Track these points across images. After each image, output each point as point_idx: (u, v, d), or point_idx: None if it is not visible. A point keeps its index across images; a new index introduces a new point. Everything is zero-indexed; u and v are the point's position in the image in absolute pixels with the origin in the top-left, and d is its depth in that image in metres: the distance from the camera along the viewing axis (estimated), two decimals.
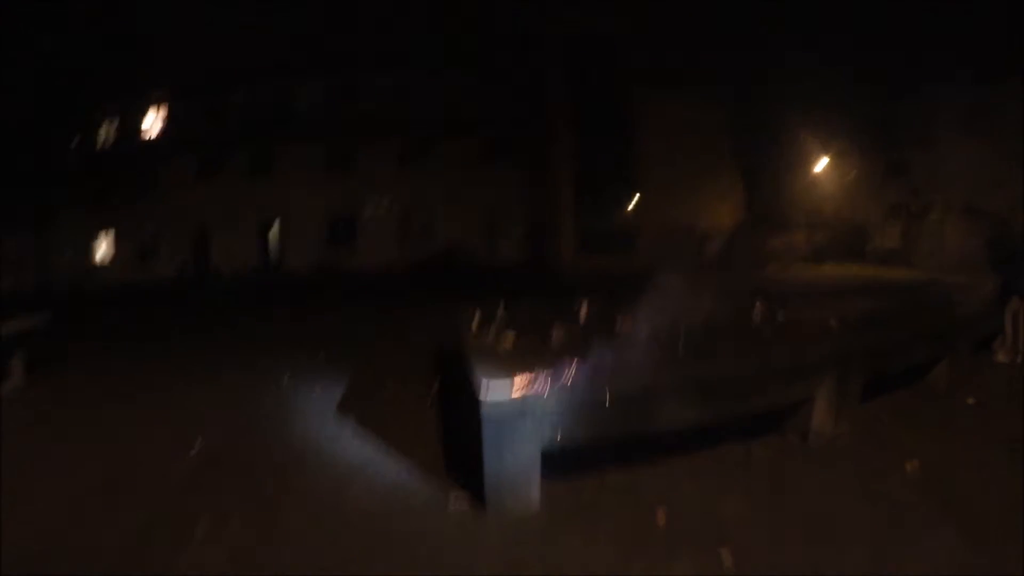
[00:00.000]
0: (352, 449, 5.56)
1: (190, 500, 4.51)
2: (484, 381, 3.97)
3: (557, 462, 4.37)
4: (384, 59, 31.69)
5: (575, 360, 4.25)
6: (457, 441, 5.15)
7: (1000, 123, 28.58)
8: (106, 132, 35.57)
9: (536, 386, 3.94)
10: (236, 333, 13.05)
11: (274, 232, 33.34)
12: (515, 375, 3.99)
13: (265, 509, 4.33)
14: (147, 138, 34.78)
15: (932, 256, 23.57)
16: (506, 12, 30.72)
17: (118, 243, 34.97)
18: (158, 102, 34.52)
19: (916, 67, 34.51)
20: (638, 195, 29.03)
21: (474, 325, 6.06)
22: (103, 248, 35.38)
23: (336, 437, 5.91)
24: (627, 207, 28.87)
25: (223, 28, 31.49)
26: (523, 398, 3.89)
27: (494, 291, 12.81)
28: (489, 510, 4.08)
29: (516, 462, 3.97)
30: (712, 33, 35.39)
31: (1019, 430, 5.56)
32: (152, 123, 34.80)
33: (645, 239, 27.40)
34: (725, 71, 32.47)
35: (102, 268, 34.60)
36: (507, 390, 3.90)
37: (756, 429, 5.38)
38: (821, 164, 35.76)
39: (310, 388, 7.69)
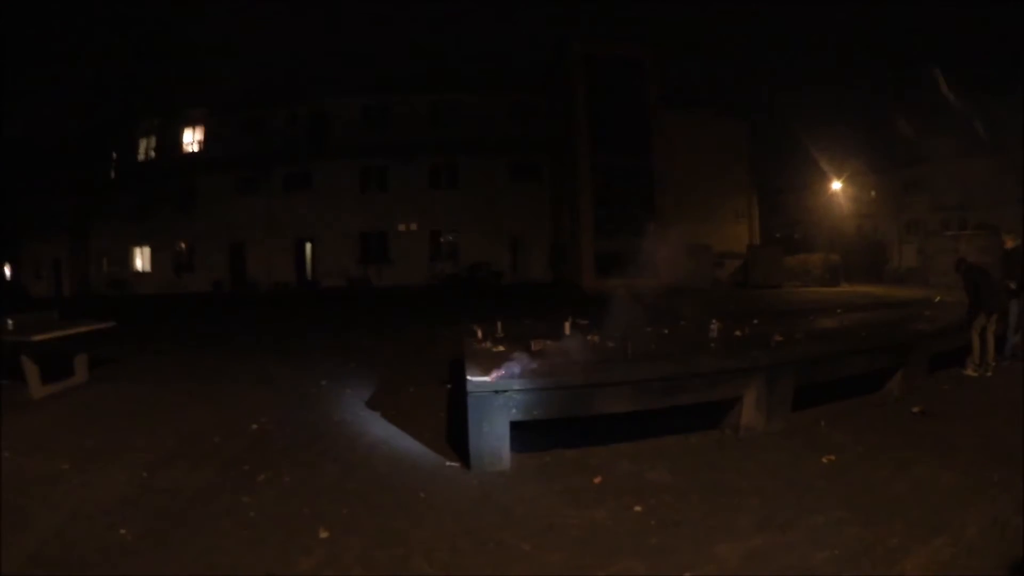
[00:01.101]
0: (377, 430, 6.96)
1: (251, 460, 5.89)
2: (470, 370, 5.52)
3: (527, 441, 5.81)
4: (416, 82, 32.94)
5: (538, 358, 5.81)
6: (456, 423, 6.44)
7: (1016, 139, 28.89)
8: (146, 146, 37.15)
9: (507, 374, 5.41)
10: (276, 342, 14.17)
11: (308, 249, 34.54)
12: (492, 366, 5.49)
13: (308, 469, 5.70)
14: (186, 153, 36.28)
15: (947, 274, 24.19)
16: (533, 37, 31.76)
17: (157, 254, 36.46)
18: (198, 119, 36.03)
19: (931, 85, 35.02)
20: (657, 217, 29.67)
21: (478, 335, 7.53)
22: (142, 258, 36.86)
23: (364, 422, 7.31)
24: (646, 229, 29.56)
25: (262, 49, 32.78)
26: (496, 382, 5.36)
27: (516, 308, 14.05)
28: (472, 467, 5.50)
29: (491, 430, 5.41)
30: (730, 60, 36.28)
31: (954, 436, 6.18)
32: (192, 139, 36.31)
33: (663, 260, 28.07)
34: (744, 95, 33.20)
35: (141, 277, 36.07)
36: (486, 376, 5.38)
37: (698, 424, 6.52)
38: (838, 184, 36.22)
39: (343, 388, 9.02)
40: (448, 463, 5.78)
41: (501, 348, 6.74)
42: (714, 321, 7.99)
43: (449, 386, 8.44)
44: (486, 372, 5.44)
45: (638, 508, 4.71)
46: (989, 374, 8.89)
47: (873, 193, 39.01)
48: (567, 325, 8.01)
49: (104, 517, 4.66)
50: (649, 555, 4.02)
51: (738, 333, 8.05)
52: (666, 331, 8.37)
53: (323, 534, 4.33)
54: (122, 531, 4.42)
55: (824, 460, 5.64)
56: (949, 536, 4.13)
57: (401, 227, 33.35)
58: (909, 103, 36.72)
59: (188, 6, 32.20)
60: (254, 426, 7.06)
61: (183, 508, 4.87)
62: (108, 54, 34.02)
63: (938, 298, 12.76)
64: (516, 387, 5.39)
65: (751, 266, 29.72)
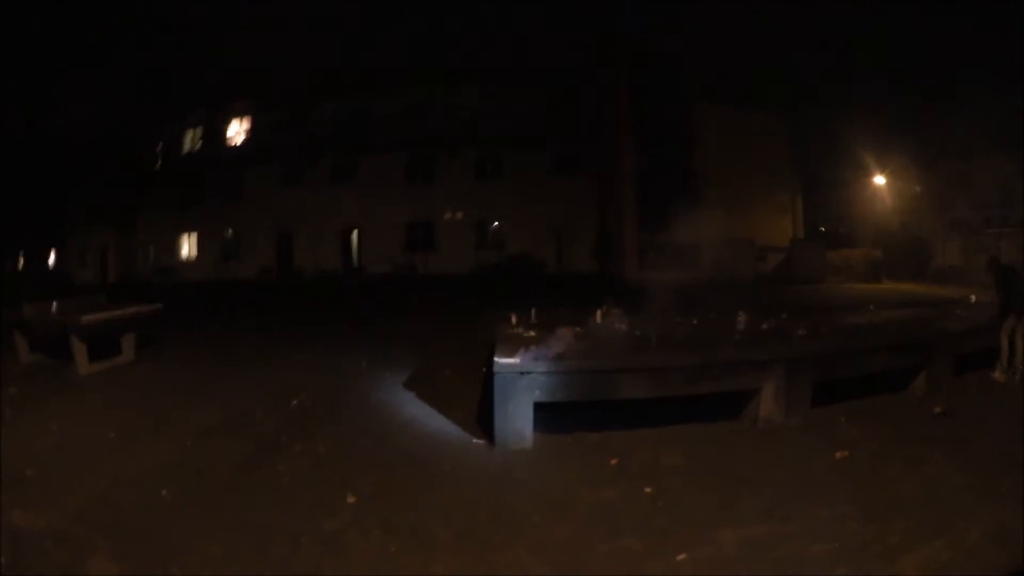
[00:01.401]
0: (411, 409, 7.37)
1: (289, 433, 6.33)
2: (498, 352, 5.87)
3: (551, 424, 6.10)
4: (460, 76, 33.24)
5: (565, 343, 6.08)
6: (487, 404, 6.67)
7: None
8: (193, 137, 37.79)
9: (531, 357, 5.74)
10: (320, 326, 14.64)
11: (355, 237, 35.05)
12: (520, 350, 5.84)
13: (343, 442, 6.13)
14: (233, 144, 36.84)
15: (987, 272, 23.62)
16: (577, 26, 31.57)
17: (203, 242, 37.07)
18: (244, 111, 36.54)
19: (975, 79, 34.12)
20: (700, 210, 29.44)
21: (512, 321, 7.86)
22: (188, 246, 37.63)
23: (400, 402, 7.72)
24: (689, 222, 29.36)
25: (308, 41, 33.18)
26: (521, 364, 5.70)
27: (556, 297, 14.28)
28: (497, 444, 5.85)
29: (516, 410, 5.76)
30: (773, 52, 35.77)
31: (972, 438, 6.13)
32: (238, 130, 36.91)
33: (706, 253, 27.93)
34: (786, 88, 32.62)
35: (187, 265, 36.77)
36: (512, 358, 5.72)
37: (722, 414, 6.68)
38: (881, 179, 35.53)
39: (382, 370, 9.38)
40: (475, 440, 6.15)
41: (532, 334, 7.03)
42: (740, 314, 8.15)
43: (484, 370, 8.75)
44: (513, 355, 5.77)
45: (648, 490, 4.95)
46: (1017, 378, 8.60)
47: (917, 188, 38.18)
48: (598, 314, 8.25)
49: (148, 481, 5.13)
50: (650, 534, 4.27)
51: (764, 326, 8.16)
52: (694, 322, 8.55)
53: (351, 499, 4.72)
54: (163, 492, 4.87)
55: (837, 455, 5.71)
56: (950, 538, 4.13)
57: (447, 217, 33.50)
58: (951, 97, 35.88)
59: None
60: (294, 403, 7.50)
61: (222, 474, 5.33)
62: (153, 47, 34.85)
63: (973, 297, 12.58)
64: (540, 370, 5.71)
65: (793, 260, 29.35)
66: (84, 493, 4.90)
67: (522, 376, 5.69)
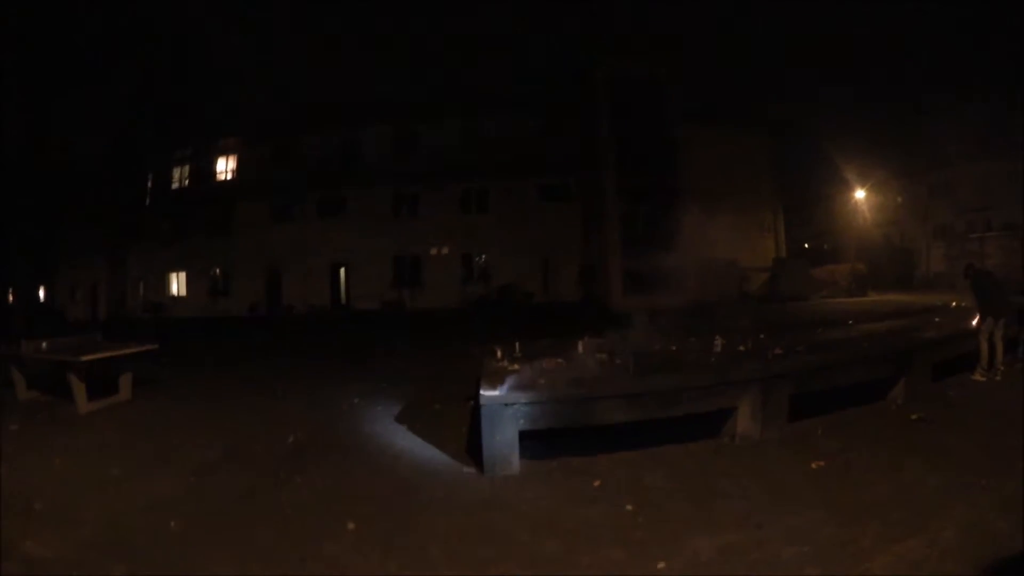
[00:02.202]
0: (403, 442, 7.64)
1: (287, 467, 6.61)
2: (484, 385, 6.20)
3: (537, 450, 6.43)
4: (445, 109, 33.71)
5: (547, 374, 6.42)
6: (475, 434, 6.93)
7: None
8: (181, 174, 38.27)
9: (515, 388, 6.06)
10: (311, 362, 14.94)
11: (343, 272, 35.29)
12: (503, 382, 6.16)
13: (340, 473, 6.41)
14: (221, 180, 37.27)
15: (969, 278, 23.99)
16: (557, 61, 32.03)
17: (193, 278, 37.40)
18: (232, 147, 37.03)
19: (955, 87, 34.85)
20: (683, 234, 29.70)
21: (497, 354, 8.16)
22: (177, 283, 37.91)
23: (392, 435, 7.99)
24: (672, 246, 29.61)
25: (293, 77, 33.58)
26: (505, 395, 6.02)
27: (542, 328, 14.56)
28: (486, 471, 6.15)
29: (502, 438, 6.07)
30: (754, 72, 36.48)
31: (950, 441, 6.33)
32: (226, 167, 37.33)
33: (690, 276, 28.13)
34: (767, 107, 33.05)
35: (177, 301, 37.09)
36: (497, 390, 6.04)
37: (704, 433, 6.96)
38: (862, 193, 36.01)
39: (374, 405, 9.67)
40: (465, 469, 6.42)
41: (516, 367, 7.32)
42: (718, 337, 8.46)
43: (472, 402, 9.02)
44: (497, 387, 6.09)
45: (630, 507, 5.22)
46: (997, 378, 8.97)
47: (899, 199, 38.69)
48: (580, 344, 8.54)
49: (155, 512, 5.38)
50: (631, 545, 4.54)
51: (741, 348, 8.45)
52: (673, 347, 8.84)
53: (350, 526, 5.00)
54: (172, 523, 5.12)
55: (813, 465, 5.91)
56: (924, 538, 4.27)
57: (433, 251, 33.91)
58: (930, 105, 36.57)
59: (222, 36, 33.30)
60: (291, 438, 7.76)
61: (227, 505, 5.60)
62: (143, 83, 35.23)
63: (953, 304, 12.88)
64: (523, 400, 6.04)
65: (777, 279, 29.85)
66: (93, 524, 5.14)
67: (506, 407, 6.00)
